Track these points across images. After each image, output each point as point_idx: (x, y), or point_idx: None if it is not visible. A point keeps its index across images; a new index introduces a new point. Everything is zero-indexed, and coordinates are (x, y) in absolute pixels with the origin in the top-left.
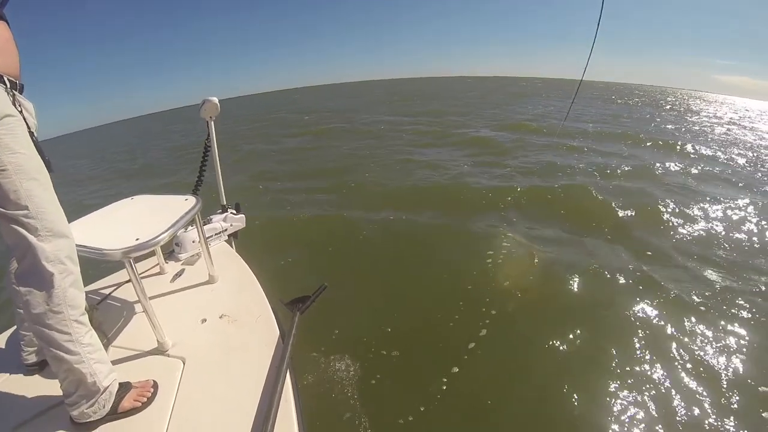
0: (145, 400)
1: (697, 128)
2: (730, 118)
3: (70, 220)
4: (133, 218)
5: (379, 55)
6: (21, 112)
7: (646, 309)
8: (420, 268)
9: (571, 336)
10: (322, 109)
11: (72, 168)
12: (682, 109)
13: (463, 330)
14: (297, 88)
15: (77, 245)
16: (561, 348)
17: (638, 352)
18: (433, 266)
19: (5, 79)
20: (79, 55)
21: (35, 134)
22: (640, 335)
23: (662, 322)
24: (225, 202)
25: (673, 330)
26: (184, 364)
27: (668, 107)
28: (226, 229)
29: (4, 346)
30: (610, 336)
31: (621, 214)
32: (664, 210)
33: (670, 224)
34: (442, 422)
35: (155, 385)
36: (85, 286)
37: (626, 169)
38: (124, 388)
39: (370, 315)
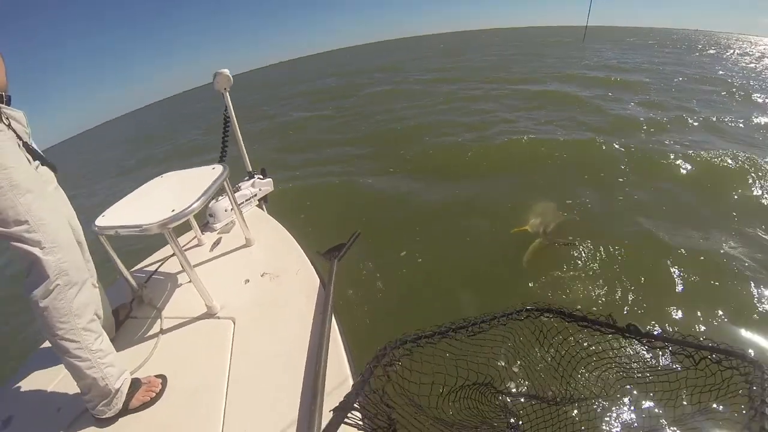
0: (153, 395)
1: None
2: None
3: (108, 205)
4: (167, 193)
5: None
6: (9, 124)
7: None
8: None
9: None
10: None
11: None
12: None
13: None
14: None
15: (119, 226)
16: None
17: None
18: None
19: None
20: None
21: (29, 142)
22: None
23: None
24: (250, 169)
25: None
26: (234, 323)
27: None
28: (255, 195)
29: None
30: None
31: None
32: None
33: None
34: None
35: (164, 380)
36: (130, 267)
37: None
38: (134, 386)
39: (406, 258)
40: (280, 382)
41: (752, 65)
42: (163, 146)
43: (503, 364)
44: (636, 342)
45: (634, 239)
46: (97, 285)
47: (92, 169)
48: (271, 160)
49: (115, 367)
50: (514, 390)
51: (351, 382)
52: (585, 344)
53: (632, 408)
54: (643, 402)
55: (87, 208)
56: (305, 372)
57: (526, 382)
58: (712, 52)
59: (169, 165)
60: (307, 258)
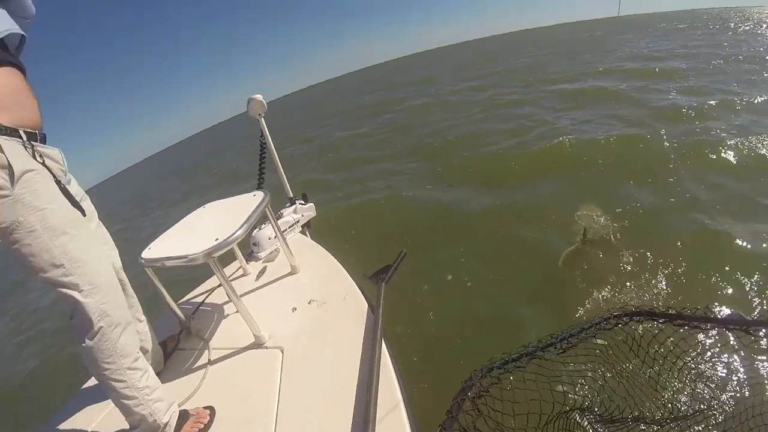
0: (201, 426)
1: None
2: None
3: (154, 238)
4: (210, 222)
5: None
6: (43, 162)
7: None
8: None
9: None
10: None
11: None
12: None
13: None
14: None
15: (165, 258)
16: None
17: None
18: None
19: (21, 132)
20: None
21: (63, 181)
22: None
23: None
24: (291, 195)
25: None
26: (282, 353)
27: None
28: (298, 221)
29: None
30: None
31: None
32: None
33: None
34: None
35: (212, 412)
36: (177, 299)
37: None
38: (183, 417)
39: (454, 282)
40: (330, 411)
41: None
42: (207, 176)
43: (598, 381)
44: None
45: (691, 241)
46: (143, 319)
47: (137, 203)
48: (313, 182)
49: (163, 401)
50: (616, 413)
51: (403, 408)
52: (684, 346)
53: (747, 415)
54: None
55: (134, 241)
56: (356, 400)
57: (627, 401)
58: (746, 28)
59: (214, 193)
60: (354, 282)
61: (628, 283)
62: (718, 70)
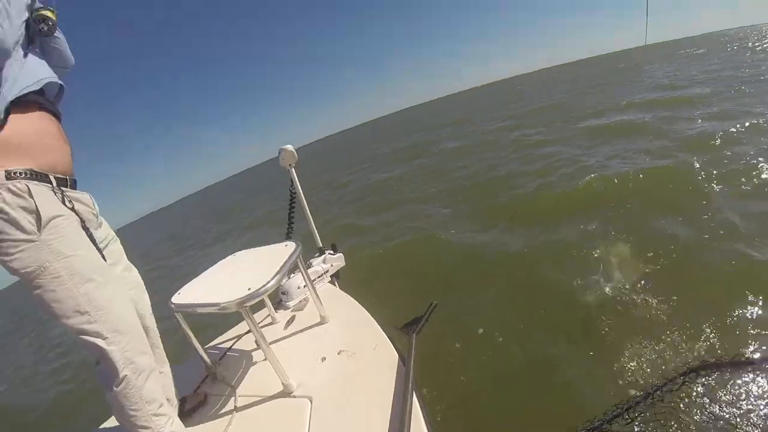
0: None
1: None
2: None
3: (184, 283)
4: (241, 271)
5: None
6: (73, 207)
7: None
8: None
9: None
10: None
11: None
12: None
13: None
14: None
15: (196, 304)
16: None
17: None
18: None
19: (51, 177)
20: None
21: (93, 225)
22: None
23: None
24: (321, 245)
25: None
26: (311, 402)
27: None
28: (327, 271)
29: None
30: None
31: None
32: None
33: None
34: None
35: None
36: (204, 344)
37: None
38: None
39: (485, 336)
40: None
41: None
42: (242, 219)
43: None
44: None
45: (732, 278)
46: (164, 370)
47: (174, 241)
48: (345, 228)
49: None
50: None
51: None
52: (757, 391)
53: None
54: None
55: (165, 281)
56: None
57: None
58: (765, 46)
59: (249, 236)
60: (383, 333)
61: (667, 327)
62: (741, 92)
